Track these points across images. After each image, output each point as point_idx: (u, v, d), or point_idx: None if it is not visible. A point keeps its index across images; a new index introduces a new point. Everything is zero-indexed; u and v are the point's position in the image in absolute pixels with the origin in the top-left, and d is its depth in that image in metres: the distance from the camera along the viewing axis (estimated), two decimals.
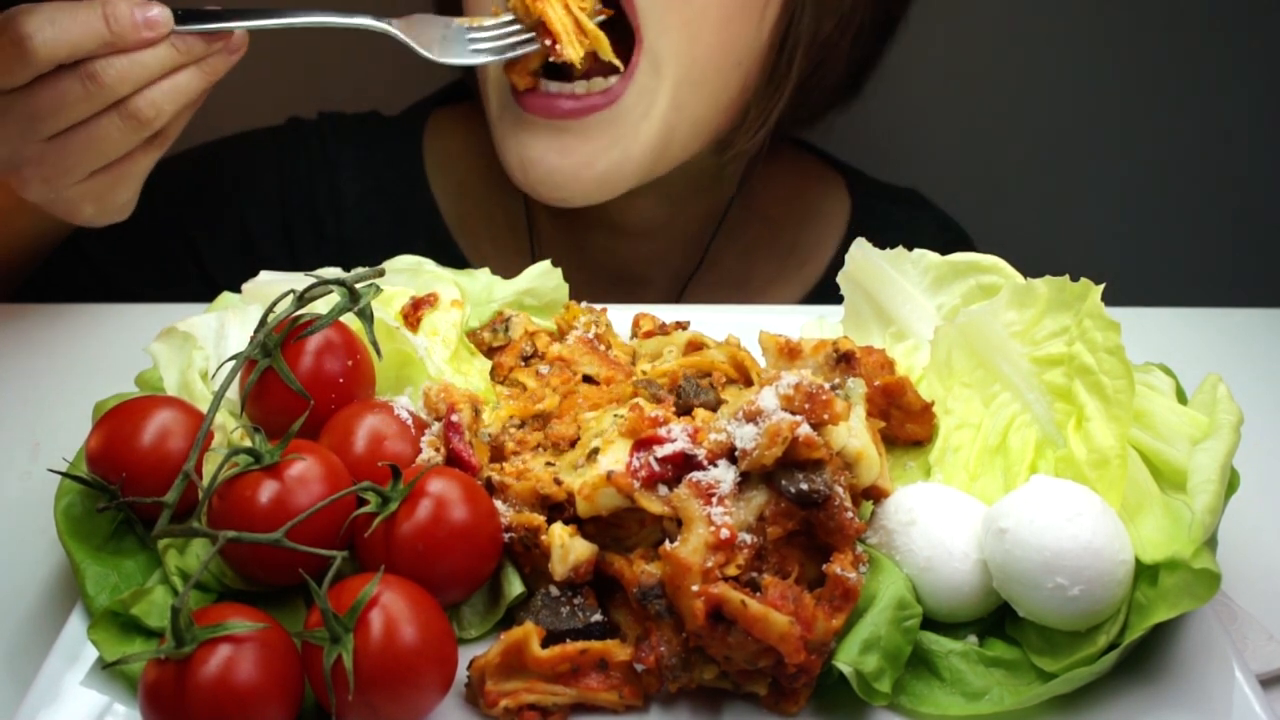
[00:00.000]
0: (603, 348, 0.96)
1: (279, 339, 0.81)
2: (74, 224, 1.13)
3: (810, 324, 1.05)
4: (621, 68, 1.18)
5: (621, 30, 1.20)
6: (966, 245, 1.50)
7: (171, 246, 1.39)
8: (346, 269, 0.94)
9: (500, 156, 1.24)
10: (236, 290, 0.99)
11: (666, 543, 0.73)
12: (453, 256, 1.42)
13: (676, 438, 0.76)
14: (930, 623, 0.76)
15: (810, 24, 1.25)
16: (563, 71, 1.19)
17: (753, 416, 0.75)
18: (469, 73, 1.36)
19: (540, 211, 1.45)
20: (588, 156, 1.19)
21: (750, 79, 1.27)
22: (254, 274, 0.99)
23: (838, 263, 1.45)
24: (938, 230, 1.51)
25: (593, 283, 1.43)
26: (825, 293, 1.45)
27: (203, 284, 1.37)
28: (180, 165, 1.37)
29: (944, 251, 1.47)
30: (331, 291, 0.84)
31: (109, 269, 1.36)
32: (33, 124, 0.98)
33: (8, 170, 1.03)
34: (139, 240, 1.33)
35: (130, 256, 1.37)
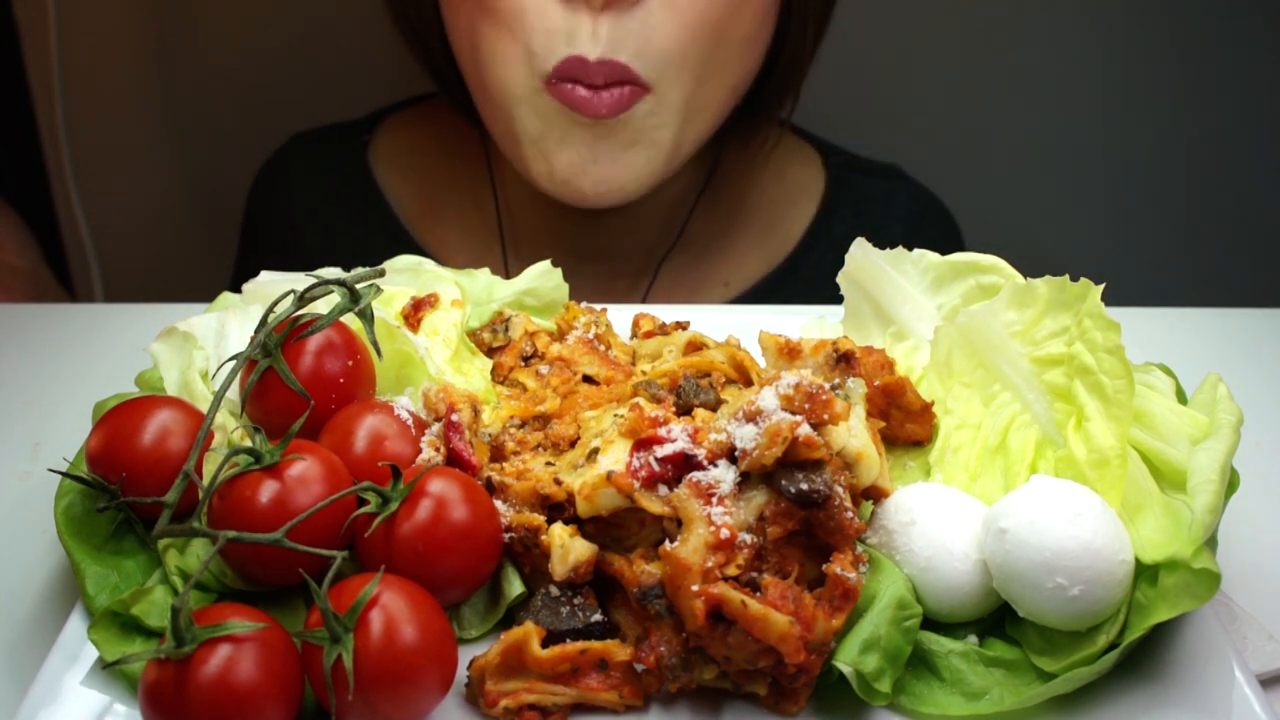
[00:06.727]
0: (603, 348, 0.96)
1: (279, 339, 0.81)
2: None
3: (810, 324, 1.05)
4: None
5: None
6: (947, 221, 1.50)
7: None
8: (346, 269, 0.94)
9: (535, 171, 1.29)
10: (236, 290, 0.99)
11: (666, 543, 0.73)
12: (411, 247, 1.47)
13: (676, 438, 0.76)
14: (930, 623, 0.76)
15: (799, 26, 1.34)
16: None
17: (753, 416, 0.75)
18: (456, 90, 1.39)
19: (512, 191, 1.48)
20: (614, 154, 1.25)
21: (748, 82, 1.33)
22: None
23: (811, 236, 1.47)
24: (915, 204, 1.50)
25: (563, 259, 1.45)
26: (797, 266, 1.47)
27: None
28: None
29: (921, 225, 1.47)
30: (332, 291, 0.84)
31: None
32: None
33: None
34: None
35: None
